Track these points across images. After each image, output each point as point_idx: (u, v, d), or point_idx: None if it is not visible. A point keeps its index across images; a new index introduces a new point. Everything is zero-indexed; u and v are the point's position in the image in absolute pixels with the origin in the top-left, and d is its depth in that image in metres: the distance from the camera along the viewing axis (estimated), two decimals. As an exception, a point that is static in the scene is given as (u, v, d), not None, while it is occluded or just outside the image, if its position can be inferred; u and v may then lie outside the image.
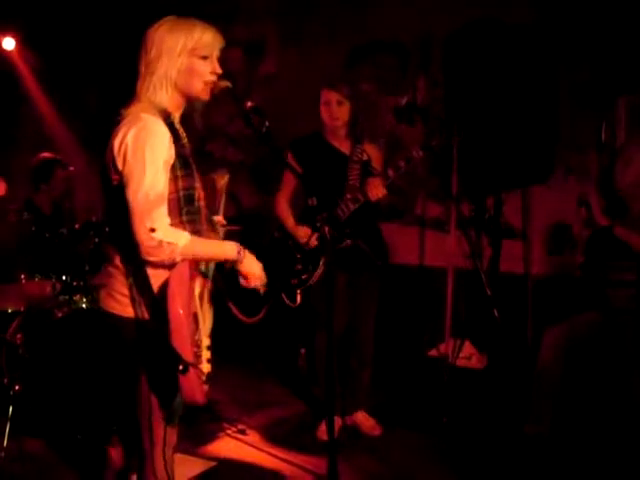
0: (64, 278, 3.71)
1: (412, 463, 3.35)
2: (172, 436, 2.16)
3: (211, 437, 3.64)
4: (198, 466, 3.26)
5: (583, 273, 3.58)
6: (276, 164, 2.97)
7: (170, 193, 2.00)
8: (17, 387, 3.29)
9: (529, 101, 3.69)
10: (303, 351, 4.71)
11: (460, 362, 4.06)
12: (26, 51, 5.55)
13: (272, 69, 5.57)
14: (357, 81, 4.07)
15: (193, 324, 2.03)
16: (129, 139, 1.95)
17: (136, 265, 1.99)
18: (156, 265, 1.98)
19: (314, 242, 3.39)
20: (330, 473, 2.30)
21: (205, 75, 2.08)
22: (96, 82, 5.75)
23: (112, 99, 2.12)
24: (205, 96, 2.12)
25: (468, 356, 4.12)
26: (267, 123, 2.15)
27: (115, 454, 2.35)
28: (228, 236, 2.33)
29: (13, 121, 5.81)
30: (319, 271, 3.42)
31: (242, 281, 2.21)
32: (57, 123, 5.80)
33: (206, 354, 2.09)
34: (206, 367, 2.07)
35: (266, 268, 2.25)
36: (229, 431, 3.73)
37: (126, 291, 2.03)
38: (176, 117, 2.11)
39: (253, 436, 3.69)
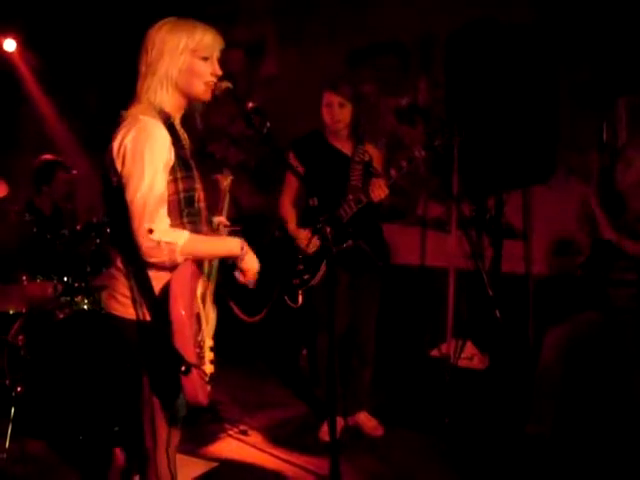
0: (65, 279, 3.71)
1: (414, 463, 3.35)
2: (175, 437, 2.16)
3: (213, 438, 3.64)
4: (200, 467, 3.26)
5: (584, 273, 3.58)
6: (277, 165, 2.98)
7: (170, 195, 2.00)
8: (19, 388, 3.30)
9: (530, 101, 3.69)
10: (305, 352, 4.70)
11: (462, 362, 4.06)
12: (27, 52, 5.55)
13: (273, 70, 5.57)
14: (358, 82, 4.06)
15: (196, 325, 2.03)
16: (128, 141, 1.95)
17: (137, 267, 1.99)
18: (158, 267, 1.99)
19: (313, 249, 3.40)
20: (332, 474, 2.31)
21: (205, 76, 2.09)
22: (96, 83, 5.76)
23: (112, 100, 2.13)
24: (206, 97, 2.12)
25: (470, 356, 4.12)
26: (268, 124, 2.15)
27: (119, 454, 2.35)
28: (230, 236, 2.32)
29: (14, 122, 5.81)
30: (321, 271, 3.42)
31: (238, 276, 2.21)
32: (58, 124, 5.80)
33: (209, 355, 2.09)
34: (209, 368, 2.07)
35: (267, 268, 2.25)
36: (231, 432, 3.73)
37: (128, 292, 2.03)
38: (176, 118, 2.11)
39: (255, 437, 3.69)
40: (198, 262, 2.09)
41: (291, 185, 3.63)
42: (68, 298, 3.64)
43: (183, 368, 1.87)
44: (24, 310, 3.53)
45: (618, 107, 4.03)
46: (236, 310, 3.25)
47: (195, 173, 2.10)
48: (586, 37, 4.09)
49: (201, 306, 2.11)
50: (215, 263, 2.22)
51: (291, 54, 5.42)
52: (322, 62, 5.04)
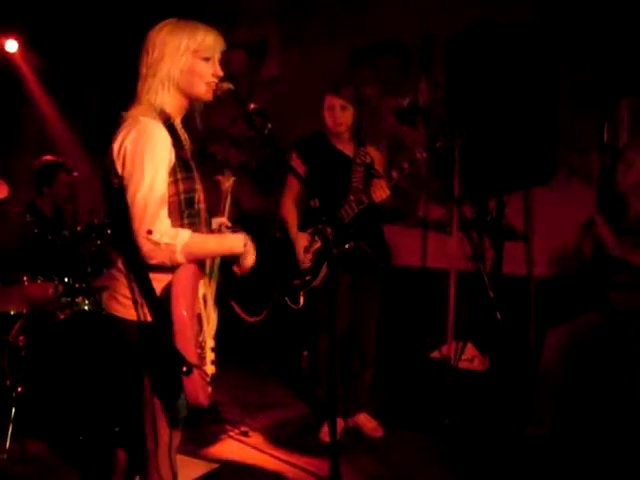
0: (66, 280, 3.71)
1: (414, 465, 3.35)
2: (176, 438, 2.16)
3: (213, 439, 3.64)
4: (200, 468, 3.26)
5: (585, 275, 3.57)
6: (278, 166, 2.98)
7: (170, 196, 2.00)
8: (20, 389, 3.30)
9: (531, 102, 3.69)
10: (305, 353, 4.70)
11: (462, 364, 4.06)
12: (29, 53, 5.56)
13: (274, 71, 5.57)
14: (359, 84, 4.06)
15: (197, 325, 2.03)
16: (128, 142, 1.95)
17: (138, 268, 1.99)
18: (158, 268, 1.99)
19: (307, 264, 3.41)
20: (332, 475, 2.31)
21: (207, 77, 2.09)
22: (97, 83, 5.76)
23: (114, 100, 2.13)
24: (207, 97, 2.12)
25: (470, 358, 4.11)
26: (269, 125, 2.15)
27: (122, 455, 2.35)
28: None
29: (15, 122, 5.82)
30: (322, 273, 3.42)
31: (236, 269, 2.21)
32: (59, 125, 5.81)
33: (210, 356, 2.09)
34: (210, 369, 2.07)
35: (268, 269, 2.25)
36: (231, 433, 3.73)
37: (129, 293, 2.03)
38: (177, 119, 2.11)
39: (255, 438, 3.69)
40: (199, 262, 2.09)
41: (292, 186, 3.63)
42: (69, 299, 3.65)
43: (184, 369, 1.86)
44: (25, 311, 3.54)
45: (620, 108, 4.04)
46: (237, 310, 3.25)
47: (195, 174, 2.10)
48: (587, 38, 4.09)
49: (202, 306, 2.11)
50: (217, 262, 2.22)
51: (292, 55, 5.42)
52: (323, 62, 5.04)
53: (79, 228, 3.87)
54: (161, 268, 1.99)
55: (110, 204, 2.07)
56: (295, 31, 5.40)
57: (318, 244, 3.41)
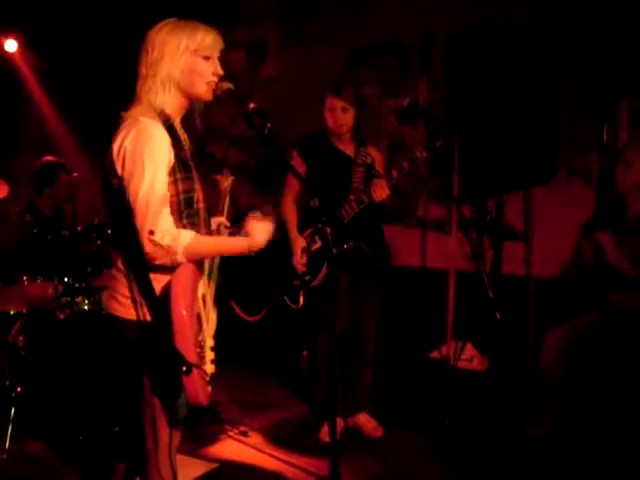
0: (66, 280, 3.71)
1: (414, 464, 3.35)
2: (175, 438, 2.16)
3: (213, 439, 3.64)
4: (200, 468, 3.26)
5: (584, 275, 3.57)
6: (278, 166, 2.98)
7: (170, 196, 2.00)
8: (19, 389, 3.30)
9: (530, 102, 3.69)
10: (305, 352, 4.71)
11: (462, 364, 4.06)
12: (28, 53, 5.56)
13: (274, 71, 5.57)
14: (360, 85, 4.06)
15: (196, 325, 2.03)
16: (127, 143, 1.95)
17: (138, 267, 1.99)
18: (158, 267, 1.99)
19: (303, 268, 3.41)
20: (332, 475, 2.30)
21: (207, 76, 2.09)
22: (97, 83, 5.76)
23: (113, 100, 2.13)
24: (208, 97, 2.12)
25: (470, 358, 4.12)
26: (269, 125, 2.15)
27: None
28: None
29: (15, 123, 5.82)
30: (322, 273, 3.42)
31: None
32: (59, 125, 5.81)
33: (210, 355, 2.09)
34: (210, 368, 2.07)
35: (268, 268, 2.25)
36: (231, 433, 3.73)
37: (128, 293, 2.03)
38: (177, 120, 2.11)
39: (255, 438, 3.69)
40: (198, 262, 2.09)
41: (292, 186, 3.63)
42: (69, 299, 3.65)
43: (184, 368, 1.86)
44: (25, 310, 3.54)
45: (619, 109, 4.04)
46: (236, 309, 3.25)
47: (194, 174, 2.10)
48: (587, 38, 4.09)
49: (202, 306, 2.11)
50: (216, 262, 2.22)
51: (292, 54, 5.42)
52: (322, 62, 5.04)
53: (79, 228, 3.87)
54: (161, 268, 1.99)
55: (110, 204, 2.07)
56: (295, 31, 5.40)
57: (318, 244, 3.42)
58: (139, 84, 2.08)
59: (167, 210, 1.97)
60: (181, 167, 2.03)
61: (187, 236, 1.96)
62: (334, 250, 2.18)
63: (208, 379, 2.02)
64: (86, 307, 3.64)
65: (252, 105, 2.16)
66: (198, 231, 2.09)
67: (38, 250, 3.83)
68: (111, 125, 2.04)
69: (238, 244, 2.11)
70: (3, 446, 3.19)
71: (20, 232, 3.87)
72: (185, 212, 2.04)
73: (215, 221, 2.30)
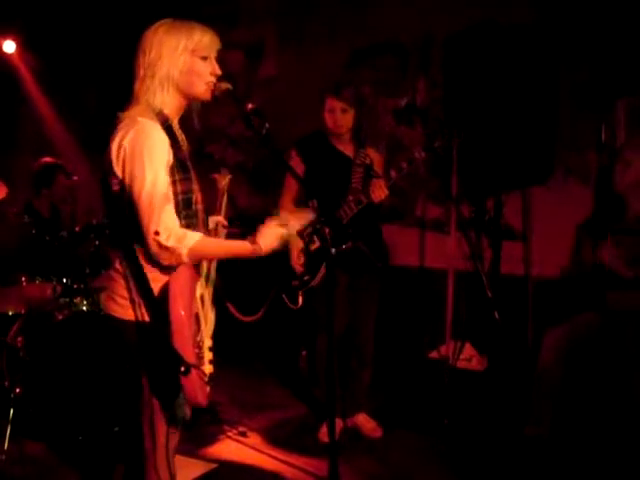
0: (65, 281, 3.71)
1: (413, 465, 3.35)
2: (174, 439, 2.16)
3: (212, 439, 3.64)
4: (199, 468, 3.26)
5: (583, 274, 3.57)
6: (276, 166, 2.98)
7: (169, 197, 2.01)
8: (18, 390, 3.30)
9: (529, 102, 3.69)
10: (304, 353, 4.70)
11: (460, 364, 4.06)
12: (26, 54, 5.56)
13: (272, 70, 5.57)
14: (358, 85, 4.06)
15: (195, 325, 2.04)
16: (126, 143, 1.95)
17: (136, 268, 1.99)
18: (156, 268, 2.00)
19: (300, 269, 3.41)
20: (331, 475, 2.30)
21: (205, 76, 2.09)
22: (96, 84, 5.76)
23: (111, 101, 2.13)
24: (206, 97, 2.12)
25: (468, 358, 4.12)
26: (267, 125, 2.15)
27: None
28: (229, 237, 2.32)
29: (13, 123, 5.82)
30: (320, 273, 3.42)
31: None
32: (57, 125, 5.81)
33: (208, 355, 2.09)
34: (208, 368, 2.07)
35: (266, 269, 2.25)
36: (230, 433, 3.73)
37: (126, 294, 2.03)
38: (175, 120, 2.11)
39: (254, 438, 3.69)
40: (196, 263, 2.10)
41: (291, 186, 3.63)
42: (67, 299, 3.64)
43: (182, 369, 1.87)
44: (23, 311, 3.54)
45: (617, 108, 4.04)
46: (232, 309, 3.26)
47: (193, 175, 2.10)
48: (585, 38, 4.09)
49: (200, 306, 2.11)
50: (214, 264, 2.22)
51: (290, 55, 5.42)
52: (322, 62, 5.04)
53: (77, 229, 3.87)
54: (159, 268, 2.00)
55: (108, 205, 2.06)
56: (293, 31, 5.40)
57: (317, 244, 3.41)
58: (136, 84, 2.07)
59: (171, 208, 1.97)
60: (179, 168, 2.03)
61: (193, 237, 1.96)
62: (332, 250, 2.18)
63: (206, 379, 2.02)
64: (85, 308, 3.64)
65: (250, 105, 2.16)
66: (196, 232, 2.09)
67: (36, 251, 3.83)
68: (109, 126, 2.04)
69: (243, 247, 2.08)
70: (2, 447, 3.18)
71: (18, 233, 3.86)
72: (184, 213, 2.03)
73: (213, 220, 2.29)
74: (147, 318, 2.00)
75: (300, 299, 3.44)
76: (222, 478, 3.25)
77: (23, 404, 3.31)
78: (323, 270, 3.41)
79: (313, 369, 3.99)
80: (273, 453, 3.50)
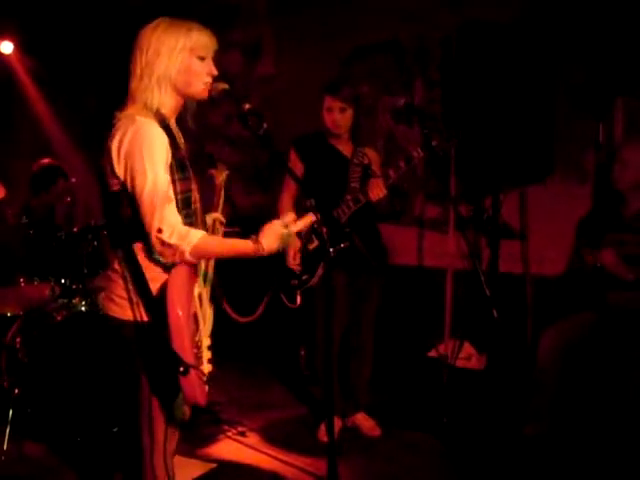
0: (63, 281, 3.71)
1: (412, 464, 3.35)
2: (172, 440, 2.16)
3: (211, 439, 3.64)
4: (197, 468, 3.26)
5: (582, 273, 3.57)
6: (275, 166, 2.98)
7: (168, 197, 2.01)
8: (17, 390, 3.30)
9: (526, 101, 3.69)
10: (303, 352, 4.71)
11: (459, 363, 4.06)
12: (24, 54, 5.55)
13: (270, 70, 5.57)
14: (356, 84, 4.06)
15: (193, 325, 2.04)
16: (126, 142, 1.95)
17: (135, 268, 1.99)
18: (155, 268, 2.00)
19: (298, 267, 3.41)
20: (330, 474, 2.31)
21: (203, 76, 2.08)
22: (94, 84, 5.75)
23: (110, 102, 2.12)
24: (203, 96, 2.12)
25: (467, 356, 4.12)
26: (265, 125, 2.15)
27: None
28: (227, 237, 2.32)
29: (11, 124, 5.81)
30: (319, 272, 3.42)
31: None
32: (55, 126, 5.80)
33: (207, 354, 2.09)
34: (207, 367, 2.08)
35: (265, 269, 2.24)
36: (229, 433, 3.73)
37: (125, 294, 2.03)
38: (172, 119, 2.11)
39: (253, 438, 3.69)
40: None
41: (290, 186, 3.63)
42: (65, 300, 3.64)
43: (181, 369, 1.87)
44: (21, 312, 3.54)
45: (615, 108, 4.05)
46: (228, 310, 3.26)
47: (191, 174, 2.10)
48: (583, 37, 4.09)
49: (198, 305, 2.11)
50: (211, 263, 2.22)
51: (288, 53, 5.41)
52: (320, 61, 5.03)
53: (75, 229, 3.86)
54: (158, 268, 2.00)
55: (107, 205, 2.06)
56: (291, 30, 5.39)
57: (315, 243, 3.41)
58: (133, 83, 2.06)
59: (172, 206, 1.97)
60: (178, 167, 2.03)
61: (196, 235, 1.95)
62: (331, 250, 2.18)
63: (205, 379, 2.02)
64: (83, 308, 3.64)
65: (247, 106, 2.16)
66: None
67: (34, 252, 3.83)
68: (107, 126, 2.04)
69: (246, 246, 2.05)
70: (1, 447, 3.19)
71: (17, 234, 3.86)
72: (183, 212, 2.03)
73: (210, 217, 2.28)
74: (146, 318, 2.00)
75: (299, 298, 3.44)
76: (221, 478, 3.25)
77: (22, 405, 3.31)
78: (321, 269, 3.41)
79: (312, 368, 3.99)
80: (272, 453, 3.50)
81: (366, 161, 3.52)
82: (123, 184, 1.97)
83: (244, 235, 2.11)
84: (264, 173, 5.37)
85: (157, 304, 1.96)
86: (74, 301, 3.64)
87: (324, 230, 2.12)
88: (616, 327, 3.33)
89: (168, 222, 1.92)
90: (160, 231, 1.91)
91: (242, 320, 3.48)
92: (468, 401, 3.82)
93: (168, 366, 1.89)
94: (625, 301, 3.32)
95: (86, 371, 3.43)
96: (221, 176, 2.32)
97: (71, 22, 5.55)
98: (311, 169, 3.52)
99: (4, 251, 3.80)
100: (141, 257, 2.01)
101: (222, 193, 2.32)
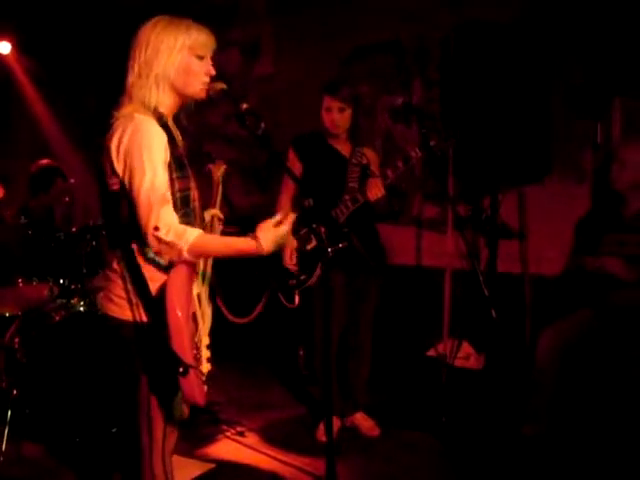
0: (61, 281, 3.71)
1: (410, 463, 3.35)
2: (171, 440, 2.16)
3: (209, 439, 3.64)
4: (196, 468, 3.26)
5: (581, 272, 3.58)
6: (273, 166, 2.98)
7: (167, 195, 2.00)
8: (15, 391, 3.29)
9: (524, 101, 3.69)
10: (301, 352, 4.71)
11: (458, 362, 4.06)
12: (22, 54, 5.55)
13: (269, 69, 5.57)
14: (356, 84, 4.06)
15: (192, 324, 2.03)
16: (125, 140, 1.95)
17: (134, 268, 1.99)
18: (154, 268, 2.00)
19: (294, 267, 3.41)
20: (329, 474, 2.31)
21: (201, 76, 2.08)
22: (94, 84, 5.75)
23: (109, 102, 2.12)
24: (201, 96, 2.11)
25: (466, 356, 4.12)
26: (263, 125, 2.15)
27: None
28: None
29: (10, 125, 5.81)
30: (317, 272, 3.42)
31: None
32: (54, 127, 5.80)
33: (206, 353, 2.09)
34: (206, 367, 2.07)
35: (262, 269, 2.24)
36: (227, 433, 3.73)
37: (124, 294, 2.03)
38: (169, 118, 2.11)
39: (251, 438, 3.69)
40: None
41: (289, 186, 3.62)
42: (64, 300, 3.64)
43: (181, 369, 1.87)
44: (20, 312, 3.53)
45: (613, 108, 4.05)
46: (224, 311, 3.26)
47: (190, 173, 2.09)
48: (582, 37, 4.09)
49: (197, 305, 2.11)
50: (210, 262, 2.22)
51: (287, 53, 5.41)
52: (318, 61, 5.03)
53: (74, 229, 3.86)
54: (157, 268, 2.01)
55: (106, 204, 2.06)
56: (290, 29, 5.39)
57: (313, 243, 3.42)
58: (131, 81, 2.05)
59: (170, 206, 1.97)
60: (177, 166, 2.02)
61: (192, 233, 1.94)
62: (329, 250, 2.18)
63: (204, 379, 2.02)
64: (82, 308, 3.64)
65: (245, 105, 2.15)
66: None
67: (33, 252, 3.83)
68: (105, 126, 2.04)
69: (245, 245, 2.04)
70: (0, 448, 3.18)
71: (15, 234, 3.86)
72: (182, 211, 2.03)
73: (208, 213, 2.27)
74: (145, 318, 2.00)
75: (297, 298, 3.43)
76: (220, 478, 3.25)
77: (20, 405, 3.31)
78: (320, 269, 3.40)
79: (311, 368, 3.99)
80: (271, 453, 3.50)
81: (365, 161, 3.52)
82: (122, 183, 1.97)
83: (242, 235, 2.11)
84: (262, 173, 5.37)
85: (156, 304, 1.96)
86: (73, 301, 3.64)
87: (322, 230, 2.12)
88: (615, 327, 3.33)
89: (164, 220, 1.92)
90: (157, 229, 1.90)
91: (238, 321, 3.48)
92: (467, 401, 3.82)
93: (167, 366, 1.89)
94: (625, 300, 3.32)
95: (85, 371, 3.43)
96: (219, 171, 2.30)
97: (69, 22, 5.55)
98: (310, 169, 3.52)
99: (2, 251, 3.80)
100: (140, 257, 2.01)
101: (220, 188, 2.31)
